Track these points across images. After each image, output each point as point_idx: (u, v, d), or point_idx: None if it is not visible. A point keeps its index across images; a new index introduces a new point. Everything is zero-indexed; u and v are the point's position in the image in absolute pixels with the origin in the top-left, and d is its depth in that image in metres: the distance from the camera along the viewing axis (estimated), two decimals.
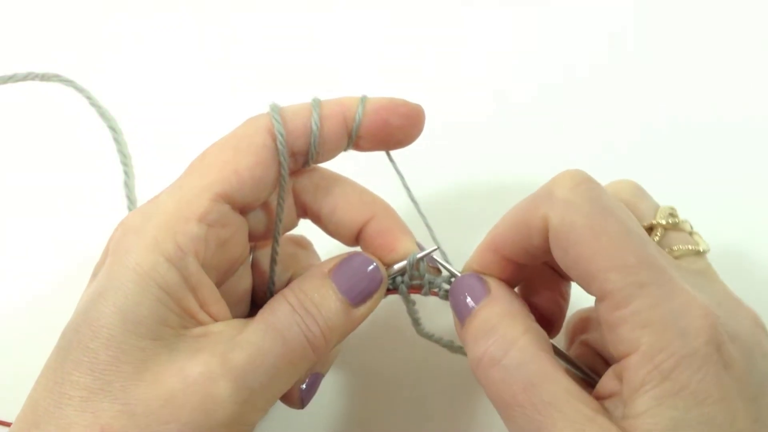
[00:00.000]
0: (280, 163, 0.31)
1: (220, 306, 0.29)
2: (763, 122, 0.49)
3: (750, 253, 0.44)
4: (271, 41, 0.52)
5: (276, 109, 0.31)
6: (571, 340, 0.35)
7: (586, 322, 0.35)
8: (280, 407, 0.35)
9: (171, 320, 0.27)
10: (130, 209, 0.36)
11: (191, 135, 0.47)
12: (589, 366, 0.32)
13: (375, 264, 0.32)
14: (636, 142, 0.48)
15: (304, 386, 0.34)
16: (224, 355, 0.27)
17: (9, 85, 0.33)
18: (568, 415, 0.25)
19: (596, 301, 0.27)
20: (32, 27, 0.53)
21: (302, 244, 0.37)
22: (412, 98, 0.34)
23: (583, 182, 0.28)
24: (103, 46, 0.52)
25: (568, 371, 0.32)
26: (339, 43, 0.53)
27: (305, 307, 0.30)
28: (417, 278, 0.33)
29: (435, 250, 0.33)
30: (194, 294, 0.28)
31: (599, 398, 0.27)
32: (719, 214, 0.45)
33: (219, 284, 0.31)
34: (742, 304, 0.29)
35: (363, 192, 0.34)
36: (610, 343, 0.27)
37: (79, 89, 0.34)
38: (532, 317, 0.30)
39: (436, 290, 0.33)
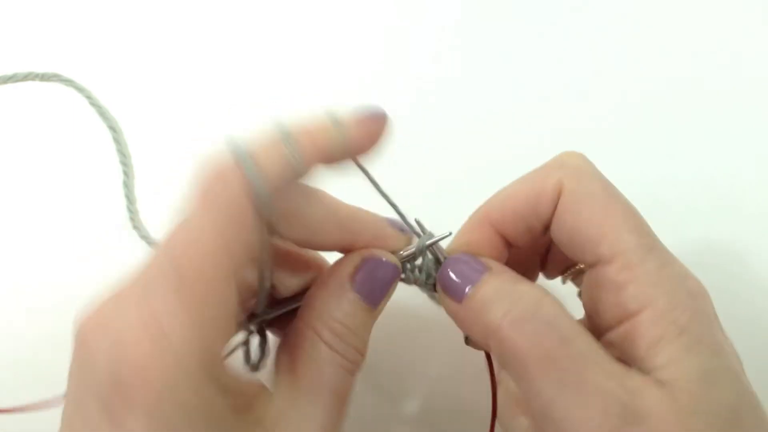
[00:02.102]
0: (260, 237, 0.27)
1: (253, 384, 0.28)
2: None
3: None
4: (272, 41, 0.52)
5: (252, 172, 0.26)
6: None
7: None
8: None
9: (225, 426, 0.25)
10: (129, 209, 0.36)
11: (191, 135, 0.47)
12: None
13: (394, 265, 0.30)
14: (614, 129, 0.48)
15: None
16: None
17: (9, 85, 0.33)
18: (605, 368, 0.25)
19: (599, 266, 0.27)
20: (32, 27, 0.53)
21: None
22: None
23: (588, 160, 0.30)
24: (103, 46, 0.52)
25: None
26: (337, 43, 0.53)
27: (343, 338, 0.29)
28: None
29: (448, 235, 0.32)
30: (237, 397, 0.26)
31: None
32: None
33: None
34: None
35: (339, 209, 0.31)
36: (615, 305, 0.27)
37: (79, 89, 0.34)
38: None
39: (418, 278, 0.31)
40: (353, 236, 0.31)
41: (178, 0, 0.54)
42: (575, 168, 0.29)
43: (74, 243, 0.44)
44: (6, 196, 0.46)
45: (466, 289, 0.29)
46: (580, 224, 0.28)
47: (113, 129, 0.34)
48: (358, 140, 0.29)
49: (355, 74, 0.50)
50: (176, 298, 0.24)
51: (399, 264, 0.31)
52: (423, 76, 0.50)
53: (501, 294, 0.28)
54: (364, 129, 0.29)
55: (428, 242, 0.31)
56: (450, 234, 0.32)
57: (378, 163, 0.29)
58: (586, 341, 0.26)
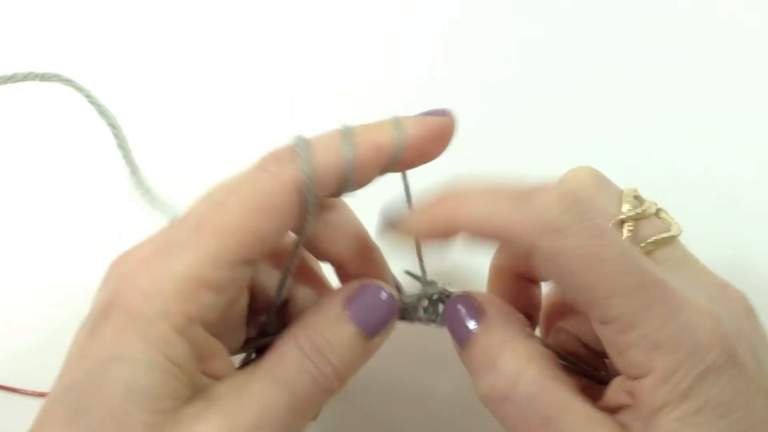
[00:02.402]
0: (303, 219, 0.27)
1: (225, 363, 0.28)
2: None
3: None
4: (272, 41, 0.52)
5: (304, 154, 0.27)
6: (548, 327, 0.33)
7: (560, 307, 0.34)
8: None
9: (180, 393, 0.26)
10: (132, 176, 0.33)
11: (191, 134, 0.47)
12: (571, 351, 0.31)
13: (391, 295, 0.30)
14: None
15: None
16: (231, 418, 0.26)
17: (9, 85, 0.33)
18: None
19: (597, 324, 0.26)
20: (32, 27, 0.53)
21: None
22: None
23: (573, 202, 0.26)
24: (103, 46, 0.52)
25: (566, 368, 0.31)
26: (337, 43, 0.53)
27: (318, 349, 0.28)
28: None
29: (459, 294, 0.31)
30: (203, 363, 0.27)
31: (610, 410, 0.26)
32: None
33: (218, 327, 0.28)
34: (729, 287, 0.28)
35: (358, 227, 0.32)
36: (618, 365, 0.26)
37: (79, 88, 0.34)
38: (531, 332, 0.29)
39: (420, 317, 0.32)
40: (363, 262, 0.31)
41: (178, 0, 0.54)
42: (551, 228, 0.25)
43: (74, 243, 0.44)
44: (6, 196, 0.46)
45: (465, 341, 0.29)
46: (565, 289, 0.26)
47: (113, 126, 0.34)
48: (417, 141, 0.28)
49: (355, 74, 0.50)
50: (192, 235, 0.26)
51: (397, 296, 0.30)
52: (423, 76, 0.50)
53: (486, 362, 0.28)
54: (425, 129, 0.28)
55: (428, 295, 0.31)
56: (452, 293, 0.31)
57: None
58: (570, 418, 0.25)
